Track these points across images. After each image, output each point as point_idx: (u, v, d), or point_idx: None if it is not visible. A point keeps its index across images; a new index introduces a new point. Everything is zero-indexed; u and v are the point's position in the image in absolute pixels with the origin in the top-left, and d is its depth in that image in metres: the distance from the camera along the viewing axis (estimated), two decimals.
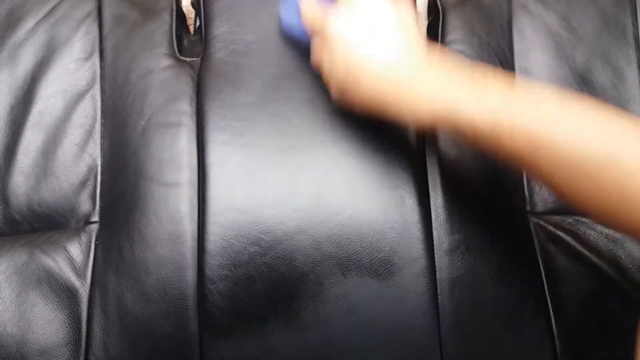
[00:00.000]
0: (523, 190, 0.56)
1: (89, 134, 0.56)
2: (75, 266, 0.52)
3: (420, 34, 0.44)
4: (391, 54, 0.42)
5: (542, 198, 0.56)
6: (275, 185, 0.49)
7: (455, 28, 0.58)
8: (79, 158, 0.55)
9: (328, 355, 0.49)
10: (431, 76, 0.41)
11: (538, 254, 0.54)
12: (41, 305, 0.51)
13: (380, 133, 0.50)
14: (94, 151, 0.56)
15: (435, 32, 0.59)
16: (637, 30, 0.60)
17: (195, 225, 0.50)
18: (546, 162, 0.36)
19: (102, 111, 0.57)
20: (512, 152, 0.37)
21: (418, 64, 0.42)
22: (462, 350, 0.49)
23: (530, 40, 0.59)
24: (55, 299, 0.51)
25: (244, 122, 0.51)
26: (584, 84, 0.58)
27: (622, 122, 0.35)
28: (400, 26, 0.43)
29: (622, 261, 0.53)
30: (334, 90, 0.47)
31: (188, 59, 0.56)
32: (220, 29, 0.54)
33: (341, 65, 0.43)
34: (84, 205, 0.55)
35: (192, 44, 0.59)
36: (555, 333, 0.52)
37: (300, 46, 0.51)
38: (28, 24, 0.59)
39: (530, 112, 0.36)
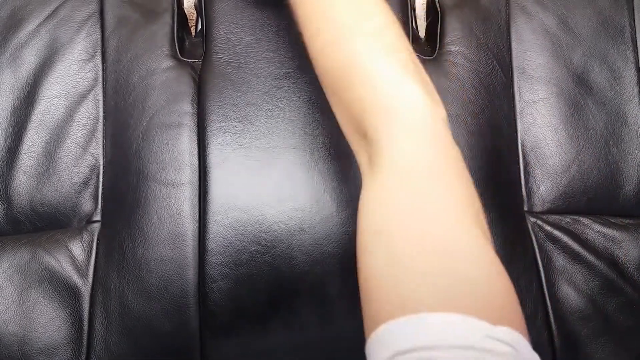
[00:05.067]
0: (521, 189, 0.56)
1: (91, 134, 0.56)
2: (77, 265, 0.52)
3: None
4: None
5: (540, 197, 0.56)
6: (276, 184, 0.50)
7: (453, 29, 0.58)
8: (81, 158, 0.56)
9: (328, 353, 0.49)
10: None
11: (536, 253, 0.54)
12: (43, 304, 0.51)
13: None
14: (96, 151, 0.56)
15: (434, 33, 0.59)
16: (635, 31, 0.60)
17: (197, 225, 0.50)
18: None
19: (104, 112, 0.57)
20: None
21: None
22: None
23: (528, 41, 0.59)
24: (57, 297, 0.51)
25: (244, 122, 0.51)
26: (581, 84, 0.58)
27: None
28: None
29: (619, 260, 0.53)
30: None
31: (189, 60, 0.57)
32: (221, 31, 0.55)
33: None
34: (86, 204, 0.55)
35: (193, 45, 0.60)
36: (554, 332, 0.52)
37: None
38: (30, 25, 0.59)
39: None
